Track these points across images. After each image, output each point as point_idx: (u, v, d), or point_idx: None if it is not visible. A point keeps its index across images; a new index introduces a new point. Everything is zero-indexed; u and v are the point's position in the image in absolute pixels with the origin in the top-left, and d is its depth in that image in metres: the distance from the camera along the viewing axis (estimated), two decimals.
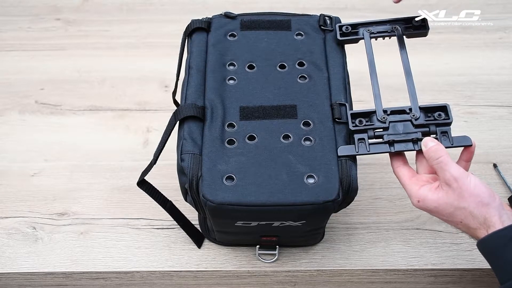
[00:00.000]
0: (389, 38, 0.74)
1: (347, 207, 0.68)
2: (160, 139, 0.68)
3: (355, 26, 0.75)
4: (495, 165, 0.88)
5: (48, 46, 1.11)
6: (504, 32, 1.13)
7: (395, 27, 0.73)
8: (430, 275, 0.78)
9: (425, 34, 0.73)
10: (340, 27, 0.75)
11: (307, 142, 0.65)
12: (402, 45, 0.72)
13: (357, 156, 0.66)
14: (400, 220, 0.83)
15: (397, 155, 0.66)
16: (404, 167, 0.65)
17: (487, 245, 0.58)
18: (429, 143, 0.62)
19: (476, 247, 0.61)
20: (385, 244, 0.80)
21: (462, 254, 0.78)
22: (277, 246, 0.77)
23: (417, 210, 0.82)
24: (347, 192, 0.63)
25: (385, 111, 0.66)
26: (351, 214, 0.83)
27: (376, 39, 0.74)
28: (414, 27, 0.73)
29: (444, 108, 0.66)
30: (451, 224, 0.62)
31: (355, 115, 0.66)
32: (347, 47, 0.76)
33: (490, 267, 0.60)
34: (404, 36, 0.73)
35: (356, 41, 0.75)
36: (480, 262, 0.77)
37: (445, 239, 0.80)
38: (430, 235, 0.81)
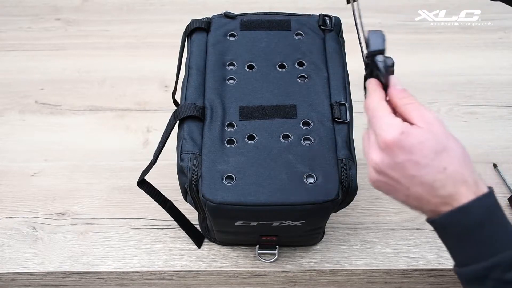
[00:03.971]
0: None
1: (347, 207, 0.68)
2: (160, 139, 0.68)
3: None
4: (495, 165, 0.88)
5: (48, 46, 1.11)
6: (504, 32, 1.13)
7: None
8: (430, 275, 0.78)
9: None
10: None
11: (307, 142, 0.65)
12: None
13: (357, 156, 0.66)
14: (400, 220, 0.82)
15: (381, 88, 0.54)
16: (385, 101, 0.52)
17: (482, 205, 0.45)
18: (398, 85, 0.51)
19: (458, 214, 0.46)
20: (385, 244, 0.80)
21: None
22: (277, 246, 0.77)
23: None
24: (347, 192, 0.63)
25: None
26: (351, 214, 0.83)
27: None
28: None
29: None
30: (425, 176, 0.46)
31: None
32: (347, 47, 0.76)
33: None
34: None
35: None
36: None
37: None
38: (430, 235, 0.80)
